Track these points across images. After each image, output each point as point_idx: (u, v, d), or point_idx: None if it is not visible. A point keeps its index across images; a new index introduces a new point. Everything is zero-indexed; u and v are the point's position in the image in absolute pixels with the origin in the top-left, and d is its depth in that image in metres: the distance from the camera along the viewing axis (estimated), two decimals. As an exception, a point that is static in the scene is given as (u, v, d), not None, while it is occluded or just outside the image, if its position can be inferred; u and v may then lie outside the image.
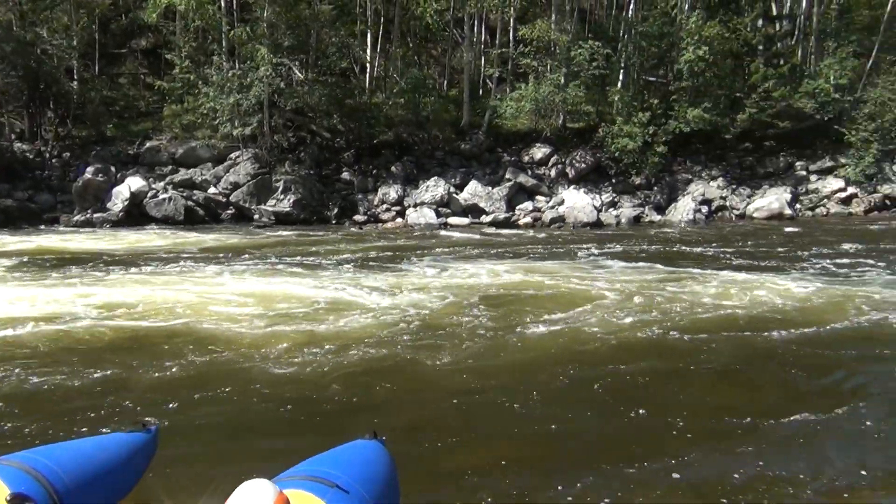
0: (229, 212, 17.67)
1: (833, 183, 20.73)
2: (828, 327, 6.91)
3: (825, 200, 20.46)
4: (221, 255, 11.93)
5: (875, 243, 13.60)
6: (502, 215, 17.70)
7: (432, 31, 22.52)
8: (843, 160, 21.06)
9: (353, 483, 2.34)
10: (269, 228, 16.52)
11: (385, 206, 18.11)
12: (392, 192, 18.24)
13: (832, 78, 21.30)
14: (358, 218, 17.69)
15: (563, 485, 3.62)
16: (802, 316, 7.43)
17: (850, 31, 23.23)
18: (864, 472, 3.85)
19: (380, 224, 17.49)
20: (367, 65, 21.65)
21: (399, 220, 17.67)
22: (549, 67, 20.21)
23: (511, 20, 22.62)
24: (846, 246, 13.10)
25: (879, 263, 10.97)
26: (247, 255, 11.84)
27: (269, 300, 7.99)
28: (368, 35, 21.62)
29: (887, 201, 20.35)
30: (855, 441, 4.31)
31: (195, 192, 17.69)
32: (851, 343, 6.43)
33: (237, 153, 18.52)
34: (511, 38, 22.43)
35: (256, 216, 17.38)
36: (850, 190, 20.47)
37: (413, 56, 23.54)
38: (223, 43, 19.24)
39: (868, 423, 4.53)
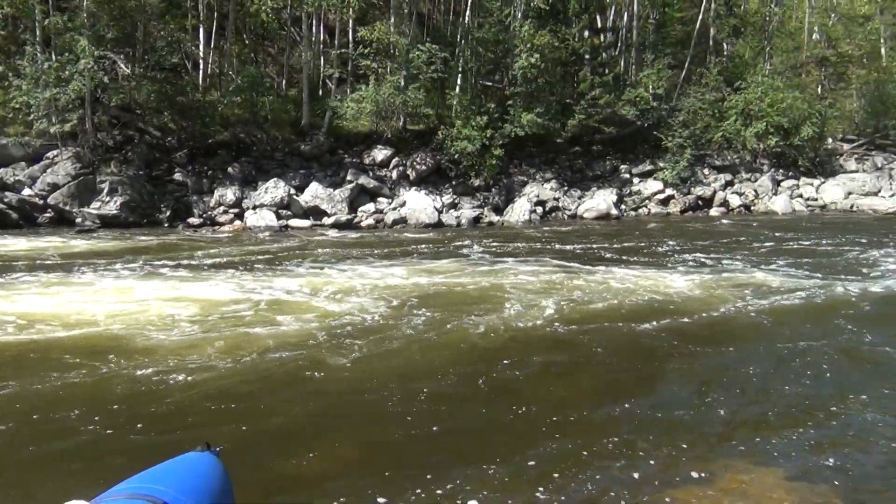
0: (48, 215, 16.53)
1: (653, 185, 22.68)
2: (697, 316, 7.76)
3: (647, 201, 22.32)
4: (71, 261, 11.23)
5: (698, 239, 15.13)
6: (344, 217, 17.84)
7: (269, 29, 22.21)
8: (661, 164, 23.16)
9: (182, 498, 2.26)
10: (93, 232, 15.62)
11: (222, 208, 17.69)
12: (229, 193, 17.85)
13: (651, 87, 23.34)
14: (193, 221, 17.15)
15: (414, 485, 3.78)
16: (672, 307, 8.28)
17: (666, 45, 25.61)
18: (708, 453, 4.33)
19: (217, 227, 17.06)
20: (201, 61, 21.02)
21: (237, 222, 17.32)
22: (388, 69, 20.58)
23: (350, 21, 22.81)
24: (672, 242, 14.51)
25: (716, 257, 12.26)
26: (103, 260, 11.23)
27: (172, 305, 7.75)
28: (201, 30, 21.00)
29: (699, 201, 22.58)
30: (707, 423, 4.85)
31: (6, 193, 16.38)
32: (712, 332, 7.28)
33: (55, 152, 17.37)
34: (351, 38, 22.63)
35: (79, 219, 16.39)
36: (668, 191, 22.47)
37: (249, 54, 23.13)
38: (37, 32, 17.96)
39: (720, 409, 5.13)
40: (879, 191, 24.32)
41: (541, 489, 3.76)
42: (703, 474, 3.93)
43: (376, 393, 5.27)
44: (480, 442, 4.52)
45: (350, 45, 22.33)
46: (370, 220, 18.26)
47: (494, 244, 14.20)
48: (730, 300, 8.57)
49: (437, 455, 4.29)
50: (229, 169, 18.79)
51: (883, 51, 30.94)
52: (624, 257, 12.40)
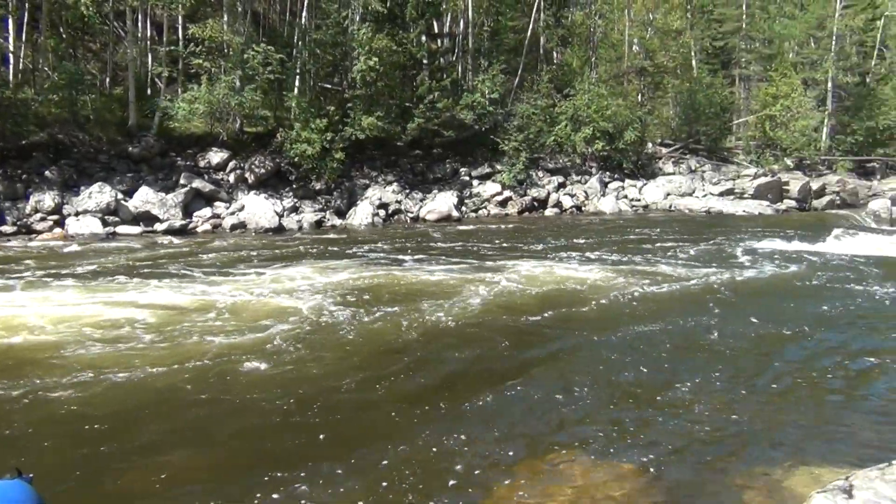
0: None
1: (492, 187, 23.59)
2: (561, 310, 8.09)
3: (486, 203, 23.17)
4: None
5: (539, 236, 15.95)
6: (178, 222, 17.16)
7: (89, 23, 20.91)
8: (499, 167, 24.17)
9: None
10: None
11: (39, 215, 16.45)
12: (47, 199, 16.64)
13: (487, 92, 24.28)
14: (6, 229, 15.83)
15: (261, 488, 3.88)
16: (521, 302, 8.63)
17: (500, 52, 26.74)
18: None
19: (34, 235, 15.85)
20: (11, 55, 19.41)
21: (58, 230, 16.19)
22: (223, 69, 20.04)
23: (180, 17, 21.97)
24: (514, 241, 15.19)
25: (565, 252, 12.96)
26: None
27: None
28: (10, 21, 19.40)
29: (535, 203, 23.77)
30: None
31: None
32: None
33: None
34: (181, 36, 21.78)
35: None
36: (506, 193, 23.45)
37: (67, 49, 21.65)
38: None
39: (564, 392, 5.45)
40: (694, 191, 26.70)
41: (383, 485, 3.97)
42: (528, 460, 4.24)
43: (247, 402, 5.30)
44: (321, 445, 4.64)
45: (180, 43, 21.49)
46: (206, 226, 17.69)
47: (349, 247, 14.26)
48: (571, 293, 9.20)
49: (278, 460, 4.39)
50: (46, 173, 17.49)
51: (694, 62, 34.09)
52: (465, 256, 12.91)
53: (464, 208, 22.37)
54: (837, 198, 27.37)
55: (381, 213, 20.57)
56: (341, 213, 20.20)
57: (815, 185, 27.59)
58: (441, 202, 21.59)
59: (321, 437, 4.70)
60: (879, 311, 8.49)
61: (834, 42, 33.66)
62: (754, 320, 7.83)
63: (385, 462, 4.27)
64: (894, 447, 4.23)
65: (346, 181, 21.40)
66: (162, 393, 5.38)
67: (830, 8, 34.00)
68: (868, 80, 35.88)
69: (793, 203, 26.44)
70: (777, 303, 8.94)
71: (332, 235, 17.28)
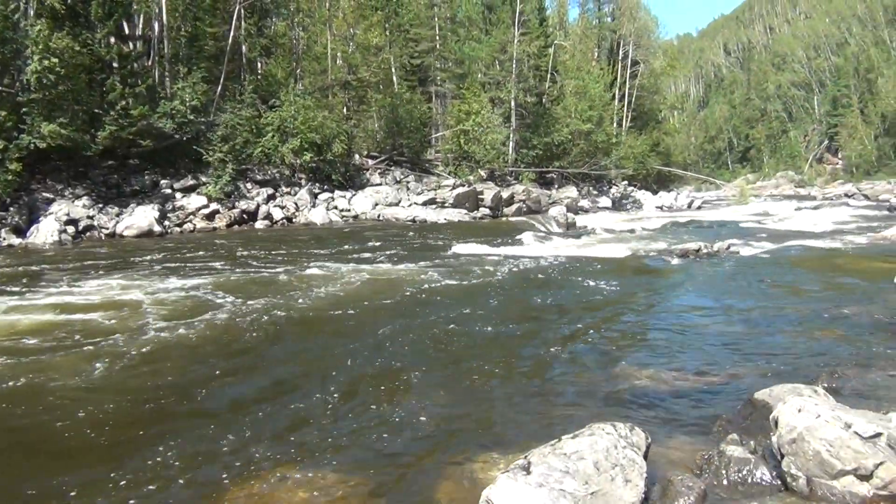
0: None
1: (197, 200, 22.63)
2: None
3: (192, 216, 22.15)
4: None
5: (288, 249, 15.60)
6: None
7: None
8: (204, 178, 23.30)
9: None
10: None
11: None
12: None
13: (187, 100, 23.31)
14: None
15: None
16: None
17: (200, 59, 25.84)
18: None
19: None
20: None
21: None
22: None
23: None
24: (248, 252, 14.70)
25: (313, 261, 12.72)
26: None
27: None
28: None
29: (245, 215, 23.24)
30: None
31: None
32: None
33: None
34: None
35: None
36: (213, 206, 22.62)
37: None
38: None
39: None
40: (400, 201, 28.14)
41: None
42: (237, 481, 4.17)
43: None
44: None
45: None
46: None
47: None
48: (278, 302, 9.23)
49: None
50: None
51: (395, 78, 35.89)
52: (168, 274, 12.30)
53: (167, 223, 21.19)
54: (524, 205, 30.56)
55: (71, 229, 18.70)
56: (20, 232, 18.00)
57: (505, 195, 30.48)
58: (140, 217, 20.24)
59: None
60: (563, 304, 9.58)
61: (514, 65, 37.55)
62: (453, 319, 8.50)
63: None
64: (566, 423, 4.64)
65: (25, 195, 19.14)
66: None
67: (510, 34, 37.88)
68: (544, 100, 40.67)
69: (487, 211, 29.02)
70: (483, 300, 9.70)
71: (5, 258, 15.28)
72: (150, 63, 25.31)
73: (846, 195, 52.76)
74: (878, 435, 3.53)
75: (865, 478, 3.46)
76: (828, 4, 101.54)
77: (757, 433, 4.28)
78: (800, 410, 3.77)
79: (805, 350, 6.62)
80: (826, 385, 5.11)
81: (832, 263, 12.75)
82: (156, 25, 25.47)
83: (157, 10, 25.06)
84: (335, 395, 5.61)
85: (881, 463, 3.44)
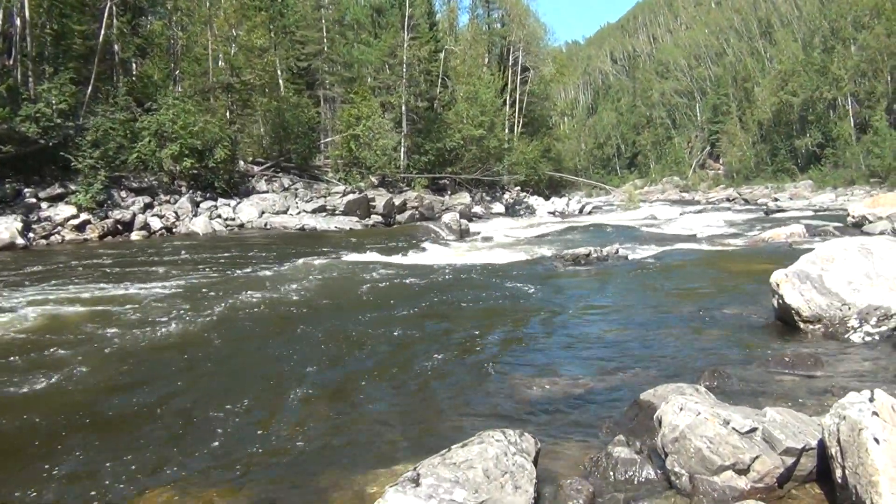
0: None
1: (65, 210, 21.41)
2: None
3: (59, 228, 20.96)
4: None
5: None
6: None
7: None
8: (73, 187, 22.05)
9: None
10: None
11: None
12: None
13: (53, 102, 22.07)
14: None
15: None
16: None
17: (68, 58, 24.54)
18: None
19: None
20: None
21: None
22: None
23: None
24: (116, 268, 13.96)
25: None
26: None
27: None
28: None
29: (119, 226, 22.15)
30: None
31: None
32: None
33: None
34: None
35: None
36: (84, 216, 21.46)
37: None
38: None
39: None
40: (288, 209, 27.65)
41: None
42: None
43: None
44: None
45: None
46: None
47: None
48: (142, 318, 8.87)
49: None
50: None
51: (281, 81, 35.27)
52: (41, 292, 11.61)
53: (32, 234, 19.98)
54: (417, 212, 30.82)
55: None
56: None
57: (397, 201, 30.65)
58: (1, 228, 19.00)
59: None
60: (453, 313, 9.65)
61: (405, 69, 37.64)
62: (340, 330, 8.45)
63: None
64: (457, 433, 4.64)
65: None
66: None
67: (400, 38, 37.94)
68: (435, 105, 41.00)
69: (379, 218, 29.16)
70: (372, 310, 9.64)
71: None
72: (10, 62, 23.78)
73: (728, 199, 56.35)
74: (754, 430, 3.73)
75: (743, 472, 3.64)
76: (707, 16, 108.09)
77: (643, 433, 4.44)
78: (681, 409, 3.94)
79: (690, 350, 6.89)
80: (708, 384, 5.33)
81: (714, 266, 13.28)
82: (17, 21, 23.93)
83: (18, 5, 23.58)
84: (216, 414, 5.47)
85: (757, 457, 3.63)
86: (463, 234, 24.11)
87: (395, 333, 8.15)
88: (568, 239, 21.38)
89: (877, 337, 6.75)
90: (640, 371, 6.23)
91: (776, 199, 45.79)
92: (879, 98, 56.04)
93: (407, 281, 12.17)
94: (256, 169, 31.03)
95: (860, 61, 58.20)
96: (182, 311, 9.19)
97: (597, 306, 9.98)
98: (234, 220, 25.71)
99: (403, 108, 37.26)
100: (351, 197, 29.48)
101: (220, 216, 25.65)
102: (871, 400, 3.37)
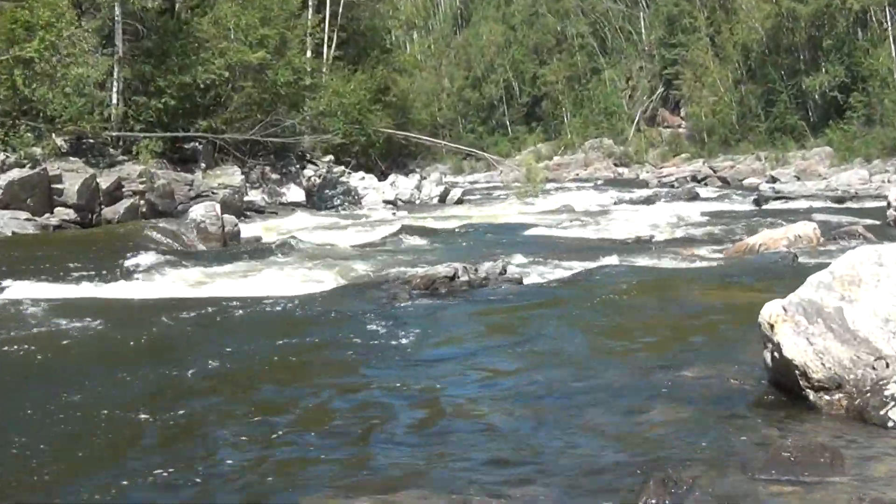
0: None
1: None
2: None
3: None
4: None
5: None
6: None
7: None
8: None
9: None
10: None
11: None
12: None
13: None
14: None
15: None
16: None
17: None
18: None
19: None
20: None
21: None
22: None
23: None
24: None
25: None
26: None
27: None
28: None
29: None
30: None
31: None
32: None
33: None
34: None
35: None
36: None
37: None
38: None
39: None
40: None
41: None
42: None
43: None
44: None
45: None
46: None
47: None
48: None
49: None
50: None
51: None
52: None
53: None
54: (143, 202, 20.90)
55: None
56: None
57: (105, 182, 20.44)
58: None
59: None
60: (193, 385, 6.10)
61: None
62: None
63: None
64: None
65: None
66: None
67: None
68: (177, 7, 27.43)
69: (71, 214, 19.49)
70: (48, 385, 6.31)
71: None
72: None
73: (695, 179, 41.11)
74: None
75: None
76: None
77: None
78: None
79: (626, 445, 4.53)
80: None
81: (671, 295, 9.72)
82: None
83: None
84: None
85: None
86: (228, 242, 17.77)
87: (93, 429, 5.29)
88: (419, 249, 16.75)
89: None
90: (539, 489, 3.90)
91: (773, 180, 33.34)
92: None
93: (114, 334, 7.87)
94: None
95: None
96: None
97: (468, 370, 6.55)
98: None
99: (117, 8, 23.94)
100: (15, 174, 19.63)
101: None
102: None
